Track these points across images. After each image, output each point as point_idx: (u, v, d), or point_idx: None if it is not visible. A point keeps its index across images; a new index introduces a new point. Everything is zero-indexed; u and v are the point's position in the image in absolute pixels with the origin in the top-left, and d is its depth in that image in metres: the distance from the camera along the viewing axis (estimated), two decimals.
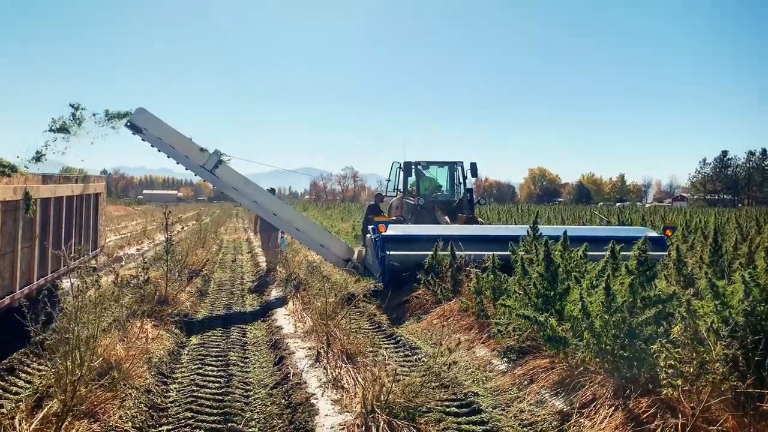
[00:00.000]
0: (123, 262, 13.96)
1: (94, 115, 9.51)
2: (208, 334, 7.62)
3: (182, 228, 26.04)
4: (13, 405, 3.86)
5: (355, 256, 11.19)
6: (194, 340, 7.28)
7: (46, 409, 3.47)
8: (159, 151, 10.28)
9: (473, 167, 13.91)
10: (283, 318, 8.33)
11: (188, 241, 15.44)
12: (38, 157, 8.61)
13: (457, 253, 8.32)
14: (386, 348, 6.69)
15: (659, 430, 3.72)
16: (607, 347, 4.65)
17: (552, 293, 5.83)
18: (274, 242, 12.97)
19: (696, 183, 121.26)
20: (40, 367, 5.59)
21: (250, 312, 9.20)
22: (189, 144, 10.34)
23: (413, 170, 14.08)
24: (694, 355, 3.90)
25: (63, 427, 3.41)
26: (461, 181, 14.17)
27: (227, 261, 15.92)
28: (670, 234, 9.96)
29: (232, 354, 6.62)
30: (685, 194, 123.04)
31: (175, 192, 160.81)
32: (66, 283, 7.62)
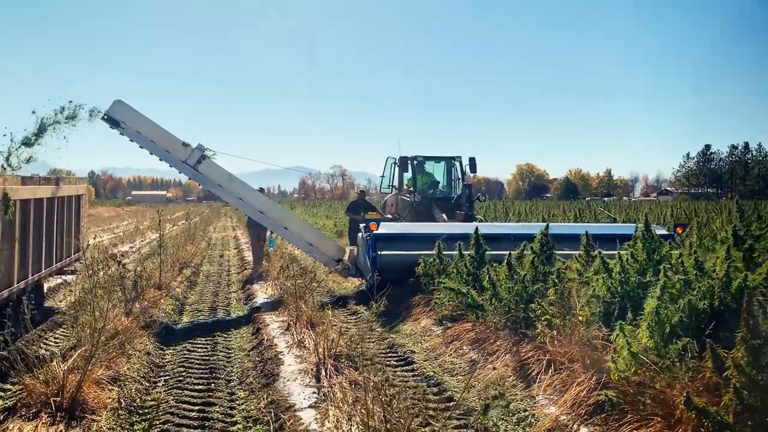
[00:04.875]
0: (118, 258, 15.10)
1: (62, 110, 8.34)
2: (197, 314, 8.87)
3: (173, 226, 27.23)
4: (49, 354, 5.09)
5: (347, 256, 10.63)
6: (185, 318, 8.54)
7: (77, 354, 4.70)
8: (140, 147, 9.75)
9: (472, 162, 13.19)
10: (262, 300, 9.53)
11: (179, 238, 16.67)
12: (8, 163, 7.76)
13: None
14: (348, 321, 7.96)
15: (534, 364, 5.04)
16: (511, 311, 5.94)
17: (479, 272, 7.13)
18: (264, 240, 12.65)
19: (680, 177, 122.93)
20: (56, 339, 6.81)
21: (234, 297, 10.42)
22: (170, 138, 9.83)
23: (409, 165, 13.28)
24: (563, 311, 5.19)
25: (89, 368, 4.63)
26: (459, 176, 13.43)
27: (215, 256, 17.12)
28: (681, 231, 9.79)
29: (218, 328, 7.86)
30: (670, 188, 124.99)
31: (164, 192, 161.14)
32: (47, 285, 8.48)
